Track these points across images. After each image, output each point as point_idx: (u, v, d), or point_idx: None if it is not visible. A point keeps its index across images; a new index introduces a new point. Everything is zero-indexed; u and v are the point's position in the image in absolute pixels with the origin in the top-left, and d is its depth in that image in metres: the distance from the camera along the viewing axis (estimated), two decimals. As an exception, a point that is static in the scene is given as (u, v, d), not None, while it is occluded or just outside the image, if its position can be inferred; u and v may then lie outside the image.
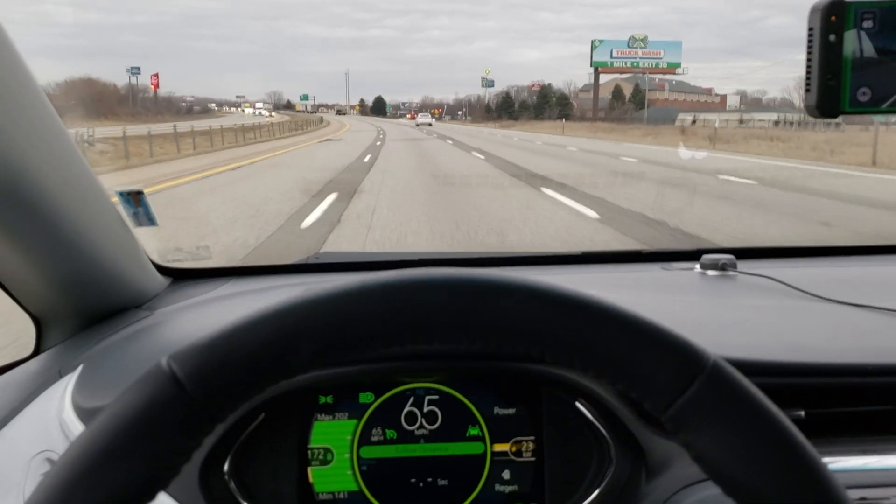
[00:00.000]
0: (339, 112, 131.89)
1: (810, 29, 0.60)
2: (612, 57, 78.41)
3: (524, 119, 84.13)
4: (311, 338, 0.46)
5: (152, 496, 0.45)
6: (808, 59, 0.61)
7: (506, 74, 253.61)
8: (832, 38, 0.59)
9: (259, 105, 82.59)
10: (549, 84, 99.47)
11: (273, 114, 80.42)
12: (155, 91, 67.67)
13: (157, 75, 69.11)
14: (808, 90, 0.61)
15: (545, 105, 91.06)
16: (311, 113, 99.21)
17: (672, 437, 0.48)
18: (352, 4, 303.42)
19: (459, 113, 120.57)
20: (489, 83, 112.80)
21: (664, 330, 0.47)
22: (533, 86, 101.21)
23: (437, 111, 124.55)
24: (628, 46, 78.56)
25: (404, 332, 0.47)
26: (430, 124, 70.84)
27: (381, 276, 0.48)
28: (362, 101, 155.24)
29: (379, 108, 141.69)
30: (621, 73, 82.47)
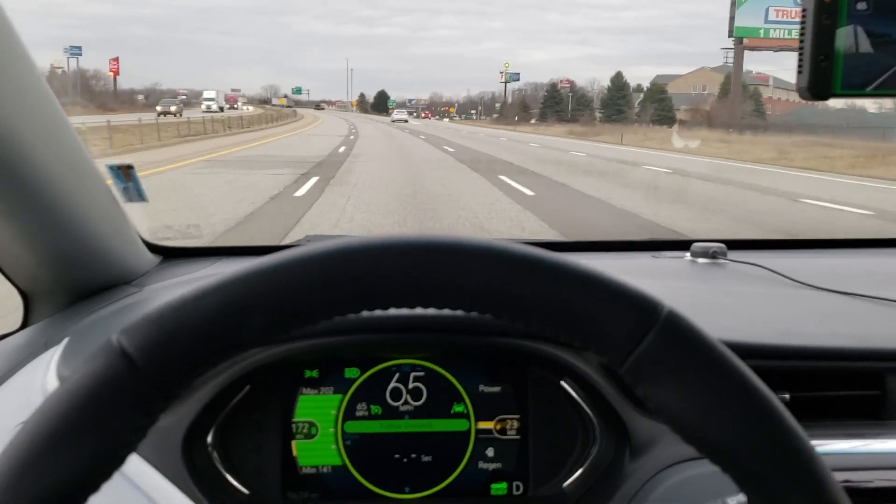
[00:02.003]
0: (318, 107, 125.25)
1: (803, 10, 0.60)
2: (766, 21, 42.11)
3: (554, 121, 70.90)
4: (261, 308, 0.45)
5: (108, 475, 0.45)
6: (801, 41, 0.61)
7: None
8: (825, 19, 0.59)
9: (210, 95, 68.44)
10: (573, 82, 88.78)
11: (248, 107, 77.47)
12: (115, 79, 57.04)
13: (116, 60, 56.98)
14: (800, 72, 0.61)
15: (583, 107, 78.56)
16: (287, 107, 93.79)
17: (633, 390, 0.47)
18: (358, 1, 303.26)
19: (473, 112, 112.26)
20: (513, 77, 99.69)
21: (616, 282, 0.47)
22: (562, 82, 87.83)
23: (450, 109, 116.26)
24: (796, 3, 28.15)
25: (356, 297, 0.46)
26: (406, 121, 67.53)
27: (330, 243, 0.48)
28: (362, 96, 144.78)
29: (380, 104, 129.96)
30: (774, 46, 43.64)
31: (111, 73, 56.31)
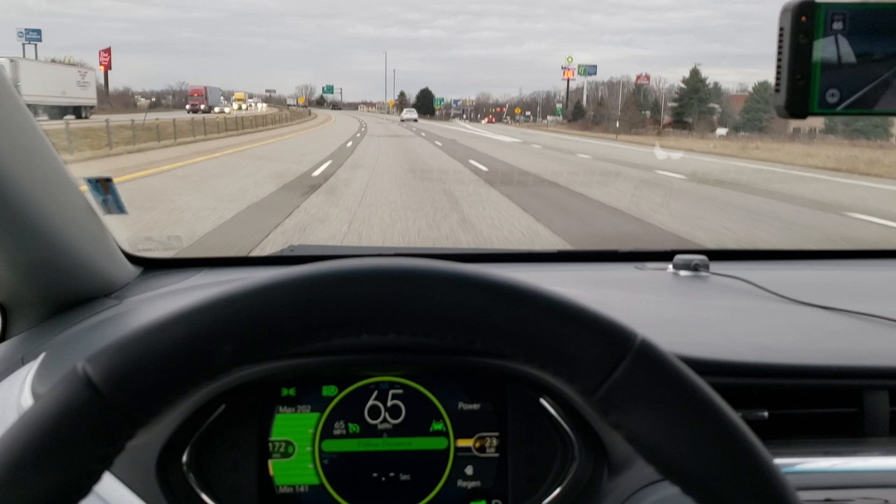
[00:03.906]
0: (335, 107, 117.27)
1: (781, 29, 0.61)
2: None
3: (644, 125, 55.95)
4: (229, 337, 0.44)
5: None
6: (779, 60, 0.61)
7: (551, 77, 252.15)
8: (802, 38, 0.60)
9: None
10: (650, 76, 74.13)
11: (261, 106, 76.28)
12: (105, 73, 46.48)
13: (108, 52, 47.09)
14: (777, 90, 0.62)
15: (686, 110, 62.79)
16: (303, 107, 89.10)
17: (603, 419, 0.47)
18: (402, 4, 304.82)
19: (527, 114, 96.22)
20: (590, 70, 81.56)
21: (589, 311, 0.47)
22: (639, 78, 73.42)
23: (499, 109, 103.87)
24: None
25: (327, 325, 0.46)
26: (416, 120, 65.06)
27: (301, 269, 0.47)
28: (402, 95, 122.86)
29: (425, 104, 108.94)
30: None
31: (101, 68, 45.69)
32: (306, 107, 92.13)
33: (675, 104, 66.14)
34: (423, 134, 35.20)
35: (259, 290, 0.45)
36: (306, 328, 0.45)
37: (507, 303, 0.46)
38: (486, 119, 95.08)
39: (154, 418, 0.45)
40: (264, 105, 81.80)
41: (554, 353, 0.46)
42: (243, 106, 70.53)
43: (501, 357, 0.49)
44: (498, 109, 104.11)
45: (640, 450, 0.47)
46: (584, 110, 74.02)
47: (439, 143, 26.46)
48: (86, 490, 0.44)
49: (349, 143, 23.21)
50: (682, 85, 65.71)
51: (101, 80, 44.67)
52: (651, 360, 0.46)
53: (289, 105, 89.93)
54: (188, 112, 45.36)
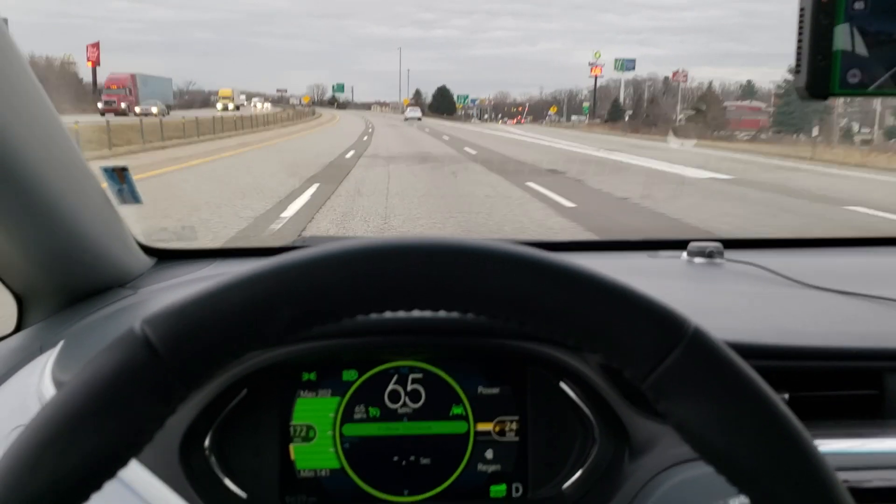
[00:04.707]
0: (340, 106, 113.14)
1: (801, 10, 0.60)
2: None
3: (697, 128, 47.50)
4: (290, 302, 0.45)
5: (124, 462, 0.45)
6: (799, 41, 0.61)
7: (565, 77, 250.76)
8: (823, 19, 0.59)
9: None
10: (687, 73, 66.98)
11: (264, 105, 73.69)
12: (94, 70, 41.48)
13: (96, 47, 42.34)
14: (797, 72, 0.61)
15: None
16: (307, 107, 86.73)
17: (654, 406, 0.48)
18: (415, 4, 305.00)
19: (550, 115, 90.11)
20: (627, 64, 76.25)
21: (645, 297, 0.47)
22: (675, 75, 66.89)
23: (519, 108, 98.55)
24: None
25: (383, 297, 0.46)
26: (419, 118, 64.11)
27: (362, 241, 0.48)
28: (418, 93, 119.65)
29: (443, 104, 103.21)
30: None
31: (89, 64, 41.59)
32: (310, 106, 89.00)
33: (771, 106, 55.28)
34: (471, 155, 21.13)
35: (318, 260, 0.46)
36: (362, 299, 0.46)
37: (564, 285, 0.46)
38: (515, 119, 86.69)
39: (207, 381, 0.47)
40: (268, 104, 79.33)
41: (608, 338, 0.46)
42: (230, 106, 62.00)
43: (551, 339, 0.48)
44: (518, 109, 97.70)
45: (687, 438, 0.47)
46: (622, 109, 66.27)
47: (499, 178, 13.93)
48: (139, 448, 0.45)
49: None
50: (787, 77, 47.56)
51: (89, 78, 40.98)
52: (704, 349, 0.46)
53: (292, 105, 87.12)
54: (101, 113, 33.31)
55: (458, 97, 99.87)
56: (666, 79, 68.56)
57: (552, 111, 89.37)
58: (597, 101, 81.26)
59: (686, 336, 0.46)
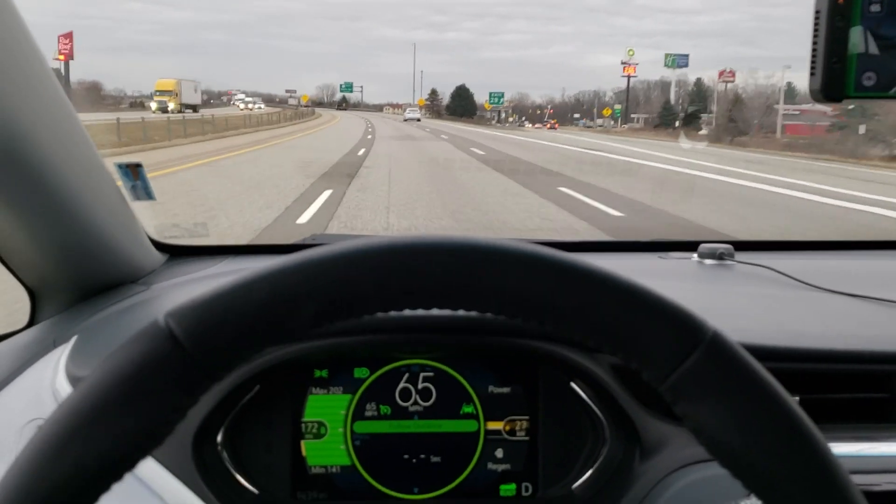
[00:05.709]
0: (340, 107, 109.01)
1: (817, 12, 0.60)
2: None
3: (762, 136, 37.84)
4: (314, 298, 0.45)
5: (146, 453, 0.45)
6: (814, 42, 0.60)
7: (581, 79, 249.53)
8: (839, 21, 0.59)
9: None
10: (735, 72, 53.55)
11: (257, 106, 70.57)
12: (65, 64, 36.33)
13: (69, 37, 38.06)
14: (812, 74, 0.61)
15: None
16: (306, 107, 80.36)
17: (671, 408, 0.48)
18: (428, 7, 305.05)
19: (577, 117, 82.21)
20: (680, 61, 67.06)
21: (664, 299, 0.47)
22: (722, 74, 55.02)
23: (540, 111, 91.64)
24: None
25: (407, 294, 0.46)
26: (419, 119, 61.84)
27: (385, 238, 0.48)
28: (434, 92, 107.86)
29: (462, 105, 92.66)
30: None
31: (60, 58, 36.22)
32: (309, 106, 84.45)
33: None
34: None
35: (343, 256, 0.46)
36: (386, 296, 0.46)
37: (584, 285, 0.46)
38: (547, 125, 74.32)
39: (228, 374, 0.47)
40: (261, 105, 75.87)
41: (627, 339, 0.46)
42: (170, 106, 46.91)
43: (570, 339, 0.49)
44: (547, 111, 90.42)
45: (704, 441, 0.47)
46: (675, 112, 57.98)
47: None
48: (161, 438, 0.45)
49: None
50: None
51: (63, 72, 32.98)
52: (723, 352, 0.46)
53: (290, 105, 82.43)
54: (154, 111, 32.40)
55: (490, 95, 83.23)
56: (721, 75, 54.55)
57: (606, 113, 75.13)
58: (628, 102, 71.57)
59: (705, 339, 0.46)
